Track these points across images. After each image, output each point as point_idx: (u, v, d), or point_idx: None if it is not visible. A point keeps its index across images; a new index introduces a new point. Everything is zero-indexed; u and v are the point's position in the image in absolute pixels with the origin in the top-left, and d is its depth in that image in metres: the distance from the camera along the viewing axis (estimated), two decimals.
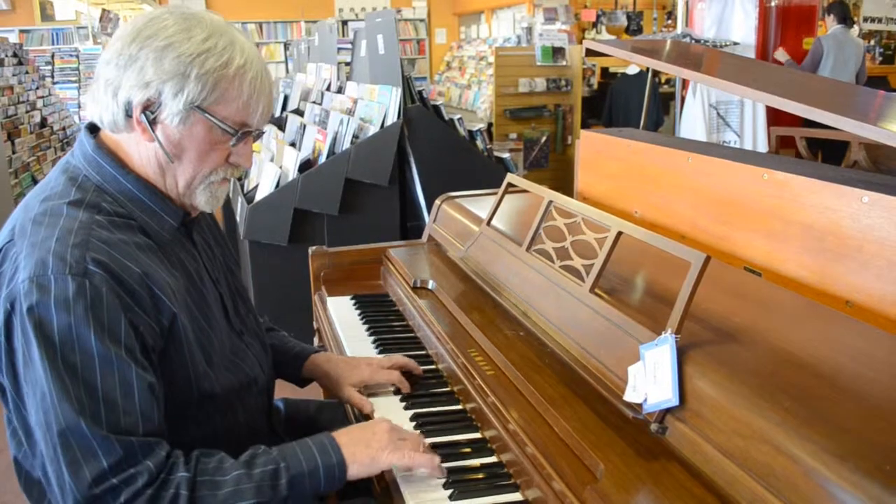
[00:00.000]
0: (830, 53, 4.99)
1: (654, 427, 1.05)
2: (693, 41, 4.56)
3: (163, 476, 1.06)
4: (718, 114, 4.63)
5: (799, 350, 1.09)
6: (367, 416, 1.44)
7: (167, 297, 1.12)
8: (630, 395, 1.11)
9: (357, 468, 1.17)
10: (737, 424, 0.94)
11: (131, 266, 1.09)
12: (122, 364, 1.04)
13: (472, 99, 9.68)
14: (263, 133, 1.21)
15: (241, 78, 1.16)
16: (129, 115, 1.14)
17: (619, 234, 1.33)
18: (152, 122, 1.15)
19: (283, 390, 1.92)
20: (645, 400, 1.08)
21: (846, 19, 5.16)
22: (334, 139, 3.50)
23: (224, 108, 1.16)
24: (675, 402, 1.03)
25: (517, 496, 1.15)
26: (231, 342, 1.32)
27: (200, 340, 1.21)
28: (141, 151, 1.19)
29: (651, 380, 1.07)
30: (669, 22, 9.86)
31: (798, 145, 2.33)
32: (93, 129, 1.23)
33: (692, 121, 4.67)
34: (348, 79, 4.51)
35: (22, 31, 11.43)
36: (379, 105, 3.51)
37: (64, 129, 6.96)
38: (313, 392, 1.89)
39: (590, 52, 2.19)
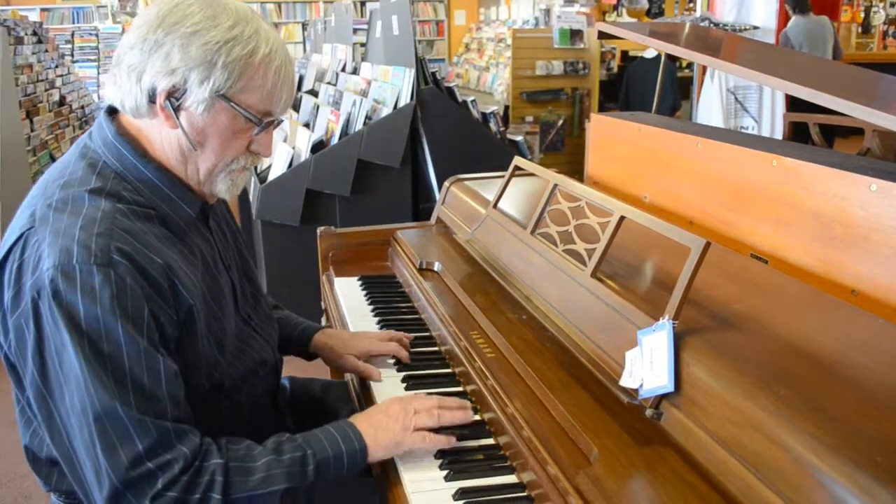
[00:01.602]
0: (803, 45, 4.90)
1: (649, 413, 1.05)
2: (712, 25, 4.50)
3: (197, 463, 1.07)
4: (736, 98, 4.57)
5: (798, 339, 1.08)
6: (367, 391, 1.46)
7: (185, 288, 1.13)
8: (626, 381, 1.10)
9: (380, 453, 1.20)
10: (730, 412, 0.93)
11: (154, 257, 1.09)
12: (147, 352, 1.05)
13: (490, 81, 9.62)
14: (283, 121, 1.21)
15: (266, 67, 1.14)
16: (152, 101, 1.13)
17: (622, 218, 1.32)
18: (176, 109, 1.13)
19: (289, 368, 1.93)
20: (641, 385, 1.07)
21: (800, 6, 5.05)
22: (347, 120, 3.50)
23: (249, 97, 1.15)
24: (670, 388, 1.02)
25: (513, 478, 1.15)
26: (238, 329, 1.32)
27: (213, 329, 1.21)
28: (163, 138, 1.18)
29: (648, 365, 1.07)
30: (691, 5, 9.73)
31: (811, 131, 2.30)
32: (111, 111, 1.22)
33: (710, 105, 4.62)
34: (363, 59, 4.50)
35: (43, 10, 11.49)
36: (392, 86, 3.49)
37: (82, 107, 7.00)
38: (320, 371, 1.90)
39: (602, 35, 2.16)
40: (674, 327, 1.06)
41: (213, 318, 1.22)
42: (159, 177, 1.18)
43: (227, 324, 1.26)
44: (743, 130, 4.71)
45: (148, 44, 1.10)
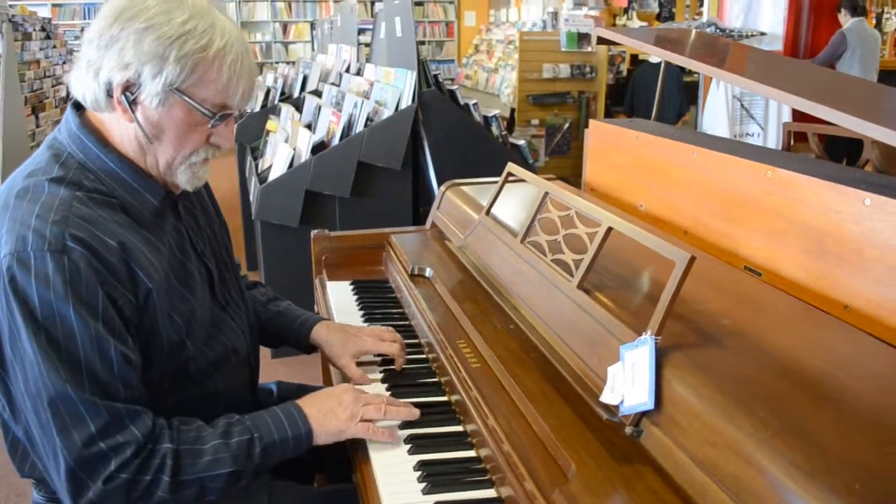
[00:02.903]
0: (857, 47, 4.86)
1: (628, 430, 1.03)
2: (718, 31, 4.46)
3: (150, 446, 1.11)
4: (742, 105, 4.53)
5: (784, 356, 1.05)
6: None
7: (144, 272, 1.15)
8: (607, 397, 1.08)
9: (324, 437, 1.26)
10: (709, 432, 0.91)
11: (109, 241, 1.11)
12: (100, 337, 1.08)
13: (498, 83, 9.60)
14: (246, 114, 1.22)
15: (220, 60, 1.16)
16: (109, 95, 1.16)
17: (610, 229, 1.30)
18: (132, 103, 1.16)
19: (278, 373, 1.92)
20: (622, 402, 1.05)
21: (858, 9, 5.02)
22: (349, 121, 3.49)
23: (203, 91, 1.16)
24: (650, 405, 1.00)
25: (491, 493, 1.14)
26: (213, 314, 1.34)
27: (180, 311, 1.23)
28: (122, 131, 1.20)
29: (629, 381, 1.05)
30: (702, 9, 9.69)
31: (810, 142, 2.27)
32: (77, 106, 1.24)
33: (715, 112, 4.58)
34: (368, 60, 4.49)
35: (55, 6, 11.54)
36: (394, 88, 3.48)
37: None
38: (312, 376, 1.89)
39: (602, 41, 2.14)
40: (656, 343, 1.04)
41: (181, 301, 1.24)
42: (121, 167, 1.20)
43: (197, 308, 1.27)
44: (748, 137, 4.68)
45: (104, 39, 1.13)
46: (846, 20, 5.08)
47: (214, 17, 1.17)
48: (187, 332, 1.24)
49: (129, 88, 1.14)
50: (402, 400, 1.35)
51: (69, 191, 1.13)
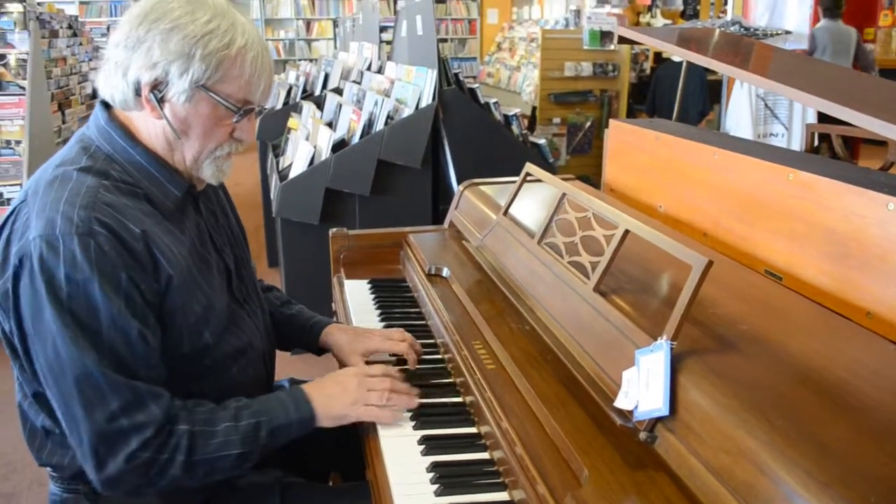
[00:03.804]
0: (828, 45, 4.80)
1: (642, 436, 1.02)
2: (742, 29, 4.41)
3: (168, 427, 1.16)
4: (766, 105, 4.47)
5: (802, 363, 1.04)
6: None
7: (165, 258, 1.19)
8: (621, 402, 1.07)
9: (327, 421, 1.31)
10: (723, 440, 0.90)
11: (132, 227, 1.16)
12: (122, 317, 1.12)
13: (520, 81, 9.58)
14: (265, 109, 1.26)
15: (242, 57, 1.21)
16: (138, 94, 1.20)
17: (627, 232, 1.28)
18: (160, 101, 1.21)
19: (296, 370, 1.93)
20: (636, 407, 1.04)
21: (829, 11, 4.94)
22: (369, 120, 3.49)
23: (227, 87, 1.22)
24: (665, 411, 0.99)
25: (504, 496, 1.13)
26: (231, 309, 1.37)
27: (199, 300, 1.27)
28: (150, 128, 1.25)
29: (644, 387, 1.04)
30: (727, 7, 9.59)
31: (834, 143, 2.23)
32: (107, 104, 1.29)
33: (739, 111, 4.53)
34: (389, 58, 4.49)
35: (82, 3, 11.67)
36: (414, 87, 3.48)
37: None
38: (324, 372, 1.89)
39: (623, 40, 2.11)
40: (672, 348, 1.03)
41: (200, 291, 1.27)
42: (146, 159, 1.25)
43: (215, 299, 1.31)
44: (772, 137, 4.62)
45: (131, 40, 1.18)
46: (822, 20, 5.04)
47: (234, 16, 1.22)
48: (206, 322, 1.28)
49: (157, 87, 1.19)
50: (406, 385, 1.38)
51: (96, 179, 1.18)
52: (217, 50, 1.18)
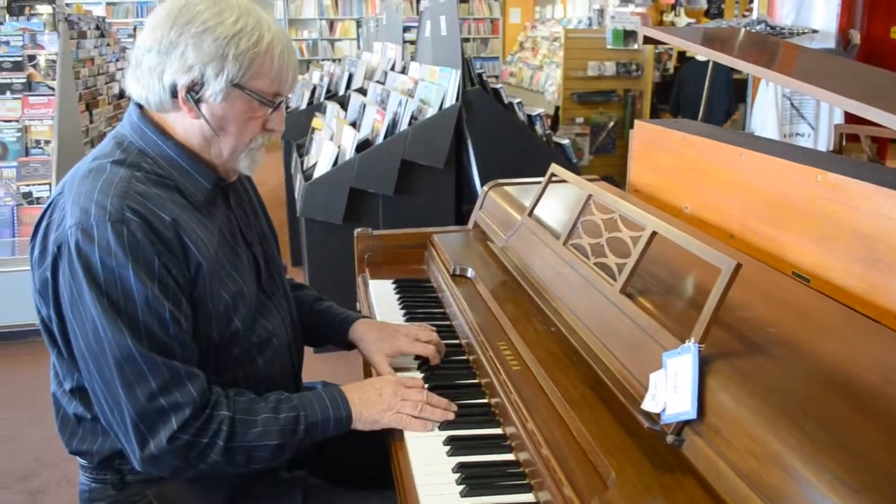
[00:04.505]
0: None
1: (670, 439, 1.02)
2: (768, 28, 4.36)
3: (208, 412, 1.21)
4: (793, 104, 4.42)
5: (832, 367, 1.03)
6: None
7: (196, 247, 1.23)
8: (648, 404, 1.07)
9: (361, 425, 1.34)
10: (752, 444, 0.90)
11: (163, 216, 1.20)
12: (156, 299, 1.17)
13: (542, 80, 9.55)
14: (290, 98, 1.32)
15: (271, 53, 1.25)
16: (174, 96, 1.25)
17: (654, 234, 1.28)
18: (197, 101, 1.25)
19: (320, 370, 1.94)
20: (664, 410, 1.04)
21: None
22: (393, 120, 3.50)
23: (259, 82, 1.26)
24: (692, 414, 0.99)
25: (530, 497, 1.13)
26: (259, 300, 1.40)
27: (229, 289, 1.31)
28: (185, 126, 1.29)
29: (671, 389, 1.04)
30: (752, 5, 9.49)
31: (863, 143, 2.21)
32: (140, 105, 1.33)
33: (765, 111, 4.48)
34: (413, 59, 4.50)
35: (109, 4, 11.82)
36: (438, 87, 3.48)
37: None
38: (354, 371, 1.91)
39: (648, 40, 2.11)
40: (700, 351, 1.03)
41: (230, 280, 1.32)
42: (177, 152, 1.29)
43: (245, 288, 1.35)
44: (798, 137, 4.56)
45: (164, 45, 1.22)
46: None
47: (258, 13, 1.26)
48: (234, 310, 1.31)
49: (194, 88, 1.23)
50: (444, 401, 1.37)
51: (128, 171, 1.23)
52: (248, 48, 1.22)
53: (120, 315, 1.15)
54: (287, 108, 1.36)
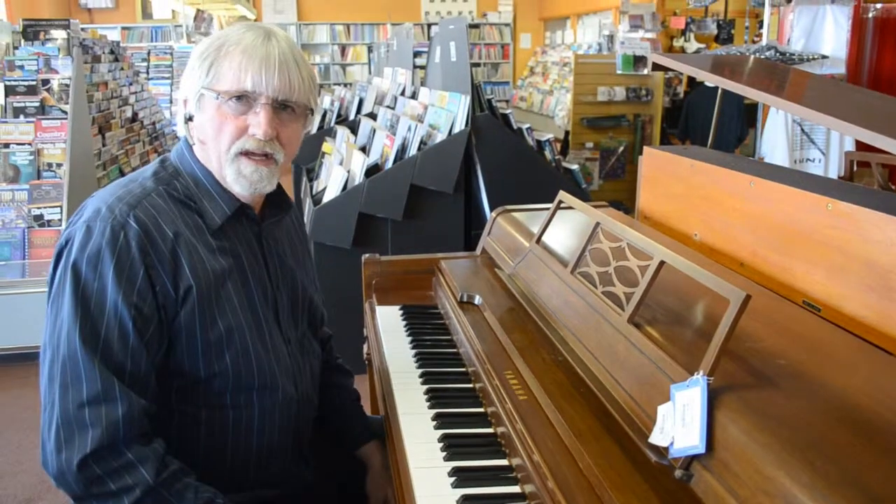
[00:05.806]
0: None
1: (678, 474, 1.00)
2: (778, 54, 4.37)
3: (129, 457, 1.13)
4: (803, 130, 4.41)
5: (843, 401, 1.01)
6: (396, 430, 1.43)
7: (190, 266, 1.23)
8: (656, 438, 1.05)
9: None
10: (762, 481, 0.88)
11: (166, 230, 1.22)
12: (126, 310, 1.16)
13: (553, 105, 9.59)
14: (279, 101, 1.28)
15: (231, 53, 1.26)
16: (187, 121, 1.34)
17: (662, 263, 1.27)
18: (191, 119, 1.32)
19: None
20: (672, 443, 1.02)
21: None
22: (402, 145, 3.51)
23: (223, 83, 1.26)
24: (701, 449, 0.97)
25: None
26: (273, 344, 1.35)
27: (228, 321, 1.27)
28: (198, 150, 1.35)
29: (680, 423, 1.02)
30: (762, 31, 9.51)
31: (874, 171, 2.19)
32: None
33: (774, 136, 4.47)
34: (423, 84, 4.52)
35: (124, 29, 11.98)
36: (448, 112, 3.50)
37: (154, 123, 7.22)
38: (360, 388, 1.88)
39: (657, 67, 2.11)
40: (708, 384, 1.01)
41: (231, 312, 1.28)
42: (204, 174, 1.33)
43: (245, 324, 1.30)
44: (809, 163, 4.55)
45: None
46: None
47: (242, 34, 1.27)
48: (228, 343, 1.27)
49: (186, 106, 1.31)
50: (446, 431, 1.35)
51: (155, 185, 1.28)
52: (209, 53, 1.27)
53: (86, 313, 1.15)
54: (280, 106, 1.32)
